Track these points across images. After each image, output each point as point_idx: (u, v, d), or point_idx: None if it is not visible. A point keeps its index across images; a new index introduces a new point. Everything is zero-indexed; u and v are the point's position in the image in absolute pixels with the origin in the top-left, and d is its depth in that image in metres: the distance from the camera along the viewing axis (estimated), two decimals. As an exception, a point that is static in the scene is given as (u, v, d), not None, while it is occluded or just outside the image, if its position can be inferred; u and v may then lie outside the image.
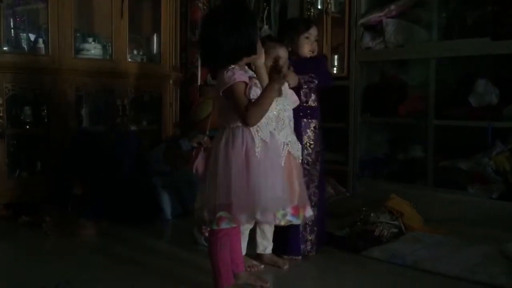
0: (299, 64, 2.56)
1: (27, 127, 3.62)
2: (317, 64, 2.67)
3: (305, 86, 2.55)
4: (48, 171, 3.59)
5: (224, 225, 1.97)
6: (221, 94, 1.97)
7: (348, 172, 4.00)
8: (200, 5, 4.61)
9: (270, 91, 1.94)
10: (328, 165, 2.77)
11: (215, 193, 1.93)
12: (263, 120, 1.98)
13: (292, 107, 2.34)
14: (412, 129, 3.84)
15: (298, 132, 2.47)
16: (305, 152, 2.54)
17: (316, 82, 2.58)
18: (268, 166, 1.96)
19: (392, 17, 3.85)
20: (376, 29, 3.92)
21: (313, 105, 2.61)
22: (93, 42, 3.91)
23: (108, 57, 3.97)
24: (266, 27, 4.47)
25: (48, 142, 3.61)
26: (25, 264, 2.57)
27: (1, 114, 3.41)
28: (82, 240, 2.96)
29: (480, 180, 3.36)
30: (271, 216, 2.03)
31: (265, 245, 2.53)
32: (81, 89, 3.78)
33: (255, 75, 2.07)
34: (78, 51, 3.81)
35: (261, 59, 2.09)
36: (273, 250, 2.55)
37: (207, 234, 2.65)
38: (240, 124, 1.96)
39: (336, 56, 4.23)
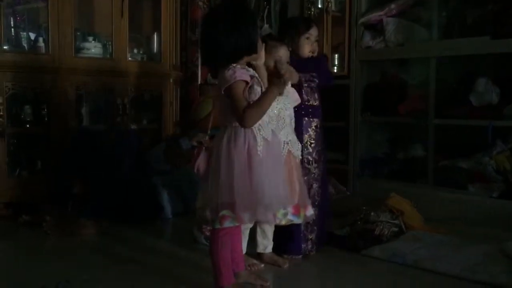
0: (299, 63, 2.55)
1: (27, 126, 3.61)
2: (318, 63, 2.67)
3: (306, 85, 2.55)
4: (48, 170, 3.59)
5: (227, 224, 1.97)
6: (222, 92, 1.96)
7: (348, 171, 4.01)
8: (200, 4, 4.60)
9: (269, 95, 1.94)
10: (328, 164, 2.77)
11: (217, 192, 1.93)
12: (265, 118, 1.98)
13: (294, 106, 2.34)
14: (412, 128, 3.84)
15: (299, 131, 2.47)
16: (306, 151, 2.54)
17: (317, 81, 2.58)
18: (270, 165, 1.96)
19: (392, 16, 3.85)
20: (376, 28, 3.92)
21: (315, 104, 2.61)
22: (93, 41, 3.91)
23: (108, 56, 3.97)
24: (266, 26, 4.47)
25: (48, 141, 3.60)
26: (25, 264, 2.57)
27: (1, 113, 3.40)
28: (82, 240, 2.96)
29: (480, 179, 3.36)
30: (272, 216, 2.03)
31: (265, 244, 2.53)
32: (81, 88, 3.78)
33: (256, 74, 2.07)
34: (78, 50, 3.81)
35: (261, 59, 2.09)
36: (274, 249, 2.55)
37: (207, 233, 2.66)
38: (241, 123, 1.96)
39: (336, 55, 4.24)
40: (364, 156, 4.02)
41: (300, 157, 2.35)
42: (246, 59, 2.02)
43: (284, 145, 2.19)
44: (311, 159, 2.58)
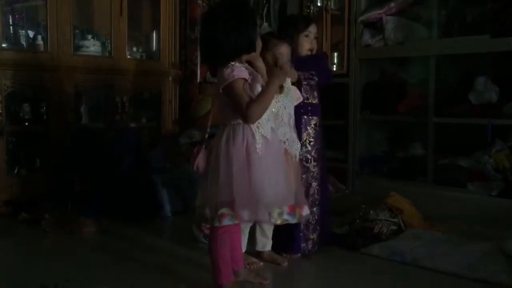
0: (299, 62, 2.55)
1: (26, 124, 3.61)
2: (317, 61, 2.66)
3: (305, 83, 2.54)
4: (48, 168, 3.59)
5: (226, 222, 1.97)
6: (221, 91, 1.96)
7: (347, 170, 4.01)
8: (200, 2, 4.60)
9: (270, 87, 1.94)
10: (327, 163, 2.76)
11: (217, 190, 1.93)
12: (264, 116, 1.98)
13: (295, 104, 2.34)
14: (412, 127, 3.84)
15: (298, 129, 2.46)
16: (305, 149, 2.53)
17: (316, 79, 2.58)
18: (270, 162, 1.96)
19: (392, 14, 3.85)
20: (376, 27, 3.92)
21: (314, 102, 2.60)
22: (92, 39, 3.90)
23: (107, 54, 3.96)
24: (265, 24, 4.47)
25: (47, 139, 3.60)
26: (24, 262, 2.57)
27: (0, 111, 3.39)
28: (82, 238, 2.96)
29: (479, 178, 3.36)
30: (267, 215, 2.03)
31: (265, 243, 2.52)
32: (80, 86, 3.77)
33: (255, 72, 2.06)
34: (77, 48, 3.80)
35: (260, 59, 2.09)
36: (273, 247, 2.55)
37: (206, 231, 2.66)
38: (240, 121, 1.96)
39: (335, 53, 4.23)
40: (363, 154, 4.02)
41: (298, 156, 2.34)
42: (245, 57, 2.02)
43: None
44: (310, 157, 2.57)
